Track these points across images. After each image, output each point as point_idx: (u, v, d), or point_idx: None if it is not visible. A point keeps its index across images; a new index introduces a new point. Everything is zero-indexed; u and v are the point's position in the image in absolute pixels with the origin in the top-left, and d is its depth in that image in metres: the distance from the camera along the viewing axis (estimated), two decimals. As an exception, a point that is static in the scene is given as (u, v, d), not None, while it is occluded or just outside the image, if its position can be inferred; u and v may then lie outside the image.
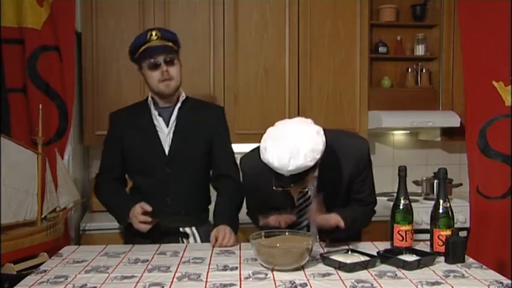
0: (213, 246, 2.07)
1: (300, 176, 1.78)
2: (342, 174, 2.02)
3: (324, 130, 1.86)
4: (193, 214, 2.32)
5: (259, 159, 1.84)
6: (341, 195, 2.06)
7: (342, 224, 1.94)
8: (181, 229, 2.29)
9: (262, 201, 2.08)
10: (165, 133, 2.27)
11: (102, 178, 2.38)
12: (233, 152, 2.41)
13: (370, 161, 2.10)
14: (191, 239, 2.29)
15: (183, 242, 2.27)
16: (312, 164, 1.77)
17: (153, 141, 2.27)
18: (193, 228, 2.31)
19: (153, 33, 2.19)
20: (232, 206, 2.29)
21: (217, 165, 2.36)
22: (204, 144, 2.32)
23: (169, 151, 2.26)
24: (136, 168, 2.31)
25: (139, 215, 2.14)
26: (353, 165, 2.03)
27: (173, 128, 2.28)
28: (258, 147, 1.88)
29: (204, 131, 2.31)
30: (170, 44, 2.24)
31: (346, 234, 2.04)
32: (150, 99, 2.31)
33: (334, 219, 1.96)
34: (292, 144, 1.74)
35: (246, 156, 2.16)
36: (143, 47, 2.20)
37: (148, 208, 2.14)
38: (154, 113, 2.29)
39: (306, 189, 1.96)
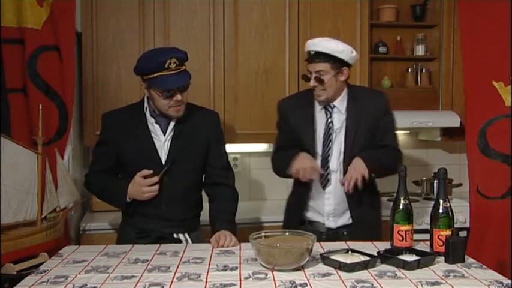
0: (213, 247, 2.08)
1: (321, 57, 2.26)
2: (364, 117, 2.35)
3: (350, 85, 2.42)
4: (187, 220, 2.31)
5: (294, 97, 2.58)
6: (365, 137, 2.34)
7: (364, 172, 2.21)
8: (175, 235, 2.28)
9: (290, 135, 2.42)
10: (162, 141, 2.23)
11: (92, 174, 2.34)
12: (227, 157, 2.39)
13: (390, 110, 2.44)
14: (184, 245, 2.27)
15: None
16: (334, 48, 2.26)
17: (149, 149, 2.21)
18: (186, 234, 2.30)
19: (172, 61, 2.07)
20: (230, 211, 2.29)
21: (212, 173, 2.34)
22: (201, 153, 2.30)
23: (166, 160, 2.22)
24: (131, 174, 2.19)
25: (143, 181, 2.13)
26: (373, 110, 2.37)
27: (171, 137, 2.23)
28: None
29: (201, 140, 2.29)
30: (184, 67, 2.15)
31: (377, 174, 2.32)
32: (146, 105, 2.25)
33: (356, 174, 2.20)
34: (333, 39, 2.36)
35: (283, 98, 2.62)
36: (158, 74, 2.08)
37: (149, 171, 2.14)
38: (151, 120, 2.23)
39: (322, 77, 2.28)
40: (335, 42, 2.30)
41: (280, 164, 2.37)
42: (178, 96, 2.13)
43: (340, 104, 2.37)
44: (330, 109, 2.37)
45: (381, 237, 2.37)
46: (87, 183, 2.37)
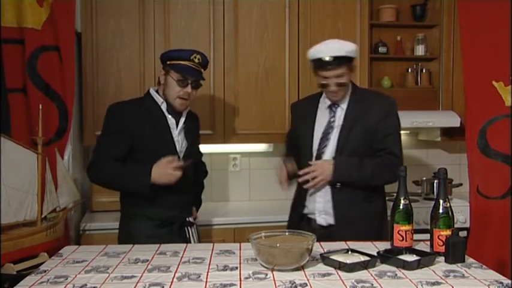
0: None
1: (339, 62, 2.25)
2: (363, 116, 2.34)
3: (357, 86, 2.47)
4: (192, 203, 2.56)
5: (304, 99, 2.61)
6: (360, 137, 2.33)
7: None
8: (187, 219, 2.45)
9: (291, 134, 2.57)
10: (176, 134, 2.38)
11: (101, 160, 2.31)
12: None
13: (394, 114, 2.37)
14: (194, 228, 2.46)
15: (189, 231, 2.43)
16: (349, 49, 2.28)
17: (167, 137, 2.35)
18: (191, 218, 2.50)
19: (197, 57, 2.31)
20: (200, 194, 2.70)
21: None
22: (197, 144, 2.59)
23: (179, 150, 2.38)
24: (146, 160, 2.27)
25: (170, 164, 2.24)
26: (374, 111, 2.35)
27: (183, 130, 2.41)
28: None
29: (196, 136, 2.56)
30: (202, 70, 2.38)
31: (359, 176, 2.30)
32: (161, 99, 2.36)
33: (320, 177, 2.30)
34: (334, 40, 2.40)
35: (295, 101, 2.76)
36: (182, 62, 2.30)
37: (174, 157, 2.27)
38: (167, 114, 2.37)
39: (343, 81, 2.29)
40: (344, 43, 2.33)
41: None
42: (189, 88, 2.31)
43: (343, 102, 2.41)
44: (334, 108, 2.41)
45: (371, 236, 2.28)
46: (95, 169, 2.32)
